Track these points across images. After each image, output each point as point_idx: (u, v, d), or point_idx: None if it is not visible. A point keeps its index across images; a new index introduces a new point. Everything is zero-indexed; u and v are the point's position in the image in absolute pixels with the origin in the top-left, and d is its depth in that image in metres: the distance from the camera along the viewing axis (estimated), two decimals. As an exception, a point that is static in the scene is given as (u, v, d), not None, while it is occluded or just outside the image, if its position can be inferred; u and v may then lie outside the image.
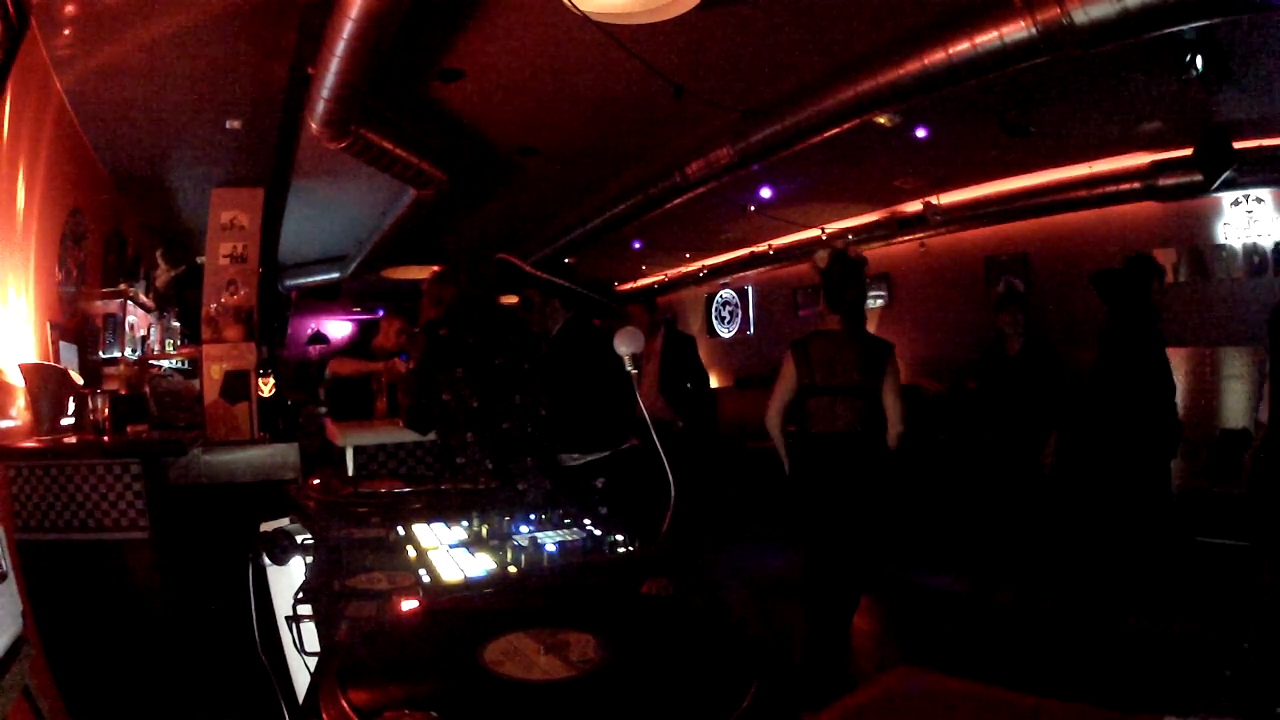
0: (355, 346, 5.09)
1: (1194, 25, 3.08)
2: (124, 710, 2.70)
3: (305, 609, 1.19)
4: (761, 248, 9.02)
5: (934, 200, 6.76)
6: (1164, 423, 3.91)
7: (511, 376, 2.92)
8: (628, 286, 11.65)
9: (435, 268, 3.15)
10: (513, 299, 3.85)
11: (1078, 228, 6.22)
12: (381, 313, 12.87)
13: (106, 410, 3.45)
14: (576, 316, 3.05)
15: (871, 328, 8.16)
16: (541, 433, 2.94)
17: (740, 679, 0.76)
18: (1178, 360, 5.33)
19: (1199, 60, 3.61)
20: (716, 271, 10.15)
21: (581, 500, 2.82)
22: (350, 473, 3.55)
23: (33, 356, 3.27)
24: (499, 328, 2.99)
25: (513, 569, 1.20)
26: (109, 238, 4.91)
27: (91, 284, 4.46)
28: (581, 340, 3.03)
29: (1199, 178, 5.05)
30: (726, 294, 10.72)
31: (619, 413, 2.94)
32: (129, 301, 4.84)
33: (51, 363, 3.44)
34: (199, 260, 6.01)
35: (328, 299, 11.36)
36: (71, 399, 3.40)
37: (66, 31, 3.30)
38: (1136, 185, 5.57)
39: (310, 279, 9.73)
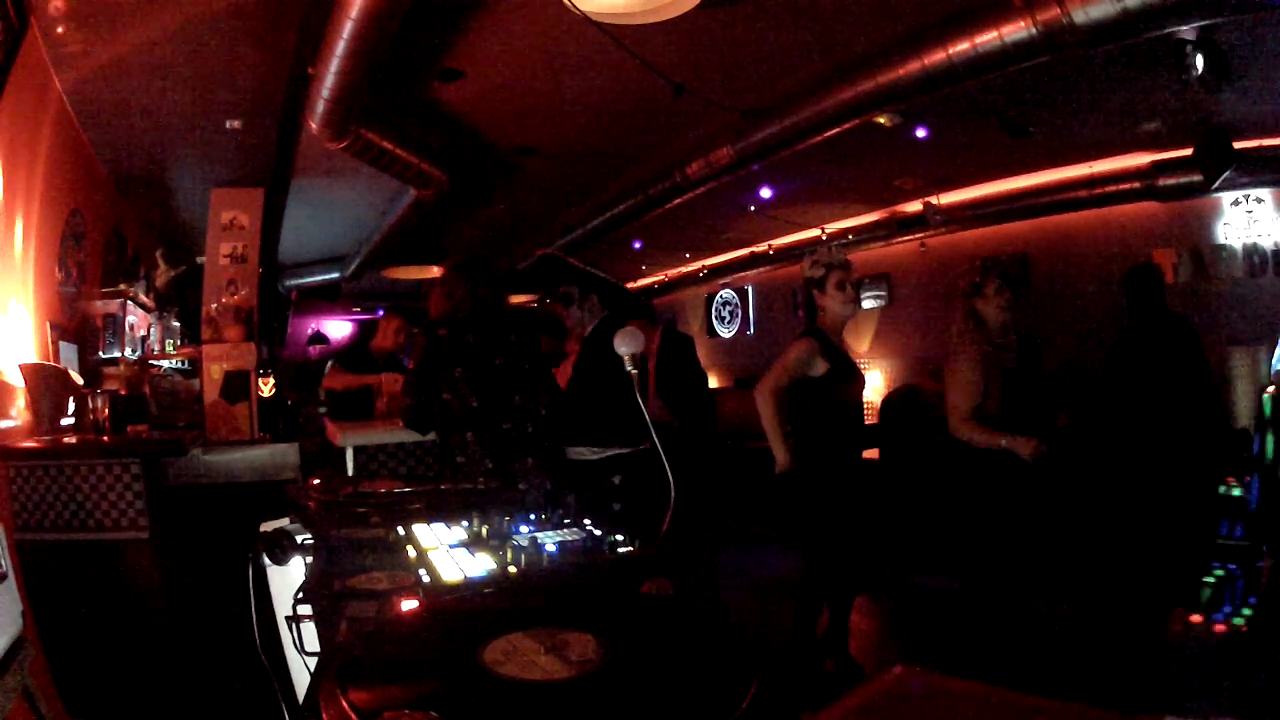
0: (354, 348, 5.02)
1: (1194, 25, 3.08)
2: (124, 710, 2.70)
3: (305, 609, 1.19)
4: (761, 248, 9.01)
5: (934, 200, 6.75)
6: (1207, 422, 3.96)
7: (512, 376, 2.91)
8: (628, 286, 11.64)
9: (446, 263, 3.14)
10: (521, 298, 3.84)
11: (1078, 228, 6.21)
12: (381, 312, 12.87)
13: (106, 410, 3.45)
14: (611, 315, 3.07)
15: (871, 328, 8.24)
16: (542, 433, 2.94)
17: (740, 679, 0.76)
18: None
19: (1199, 60, 3.61)
20: (716, 271, 10.15)
21: (595, 496, 2.83)
22: (350, 473, 3.55)
23: (33, 356, 3.27)
24: (500, 327, 2.98)
25: (513, 569, 1.20)
26: (109, 238, 4.91)
27: (91, 284, 4.46)
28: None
29: (1199, 178, 5.05)
30: (726, 294, 10.72)
31: (640, 413, 2.95)
32: (129, 301, 4.85)
33: (51, 363, 3.44)
34: (199, 260, 6.01)
35: (328, 299, 11.37)
36: (71, 399, 3.40)
37: (66, 31, 3.30)
38: (1136, 185, 5.57)
39: (310, 279, 9.73)
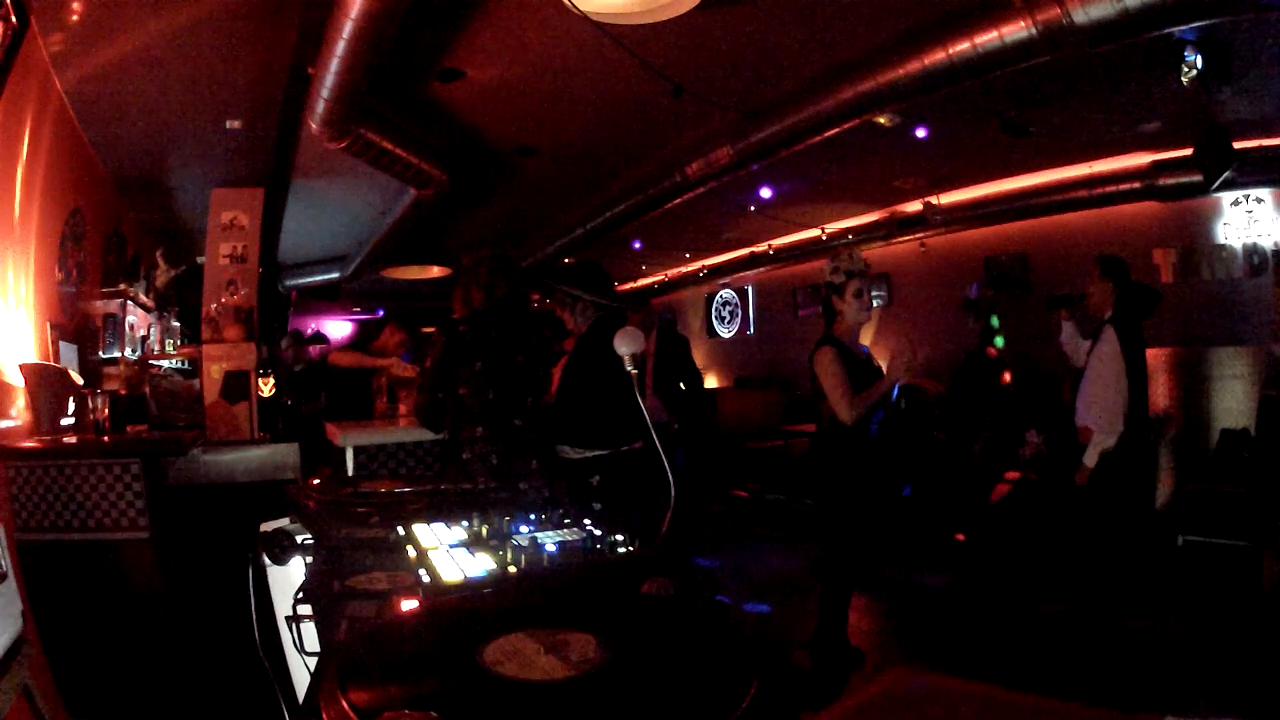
0: (355, 346, 4.98)
1: (1194, 25, 3.08)
2: (124, 710, 2.70)
3: (305, 609, 1.18)
4: (761, 248, 9.02)
5: (934, 200, 6.76)
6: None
7: (529, 376, 2.93)
8: (628, 286, 11.65)
9: (470, 255, 3.12)
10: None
11: (1078, 228, 6.22)
12: (382, 313, 12.85)
13: (106, 410, 3.45)
14: (605, 316, 3.07)
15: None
16: (546, 434, 2.95)
17: (740, 679, 0.76)
18: (1178, 359, 5.33)
19: (1199, 60, 3.61)
20: (716, 271, 10.15)
21: (576, 495, 2.83)
22: (350, 473, 3.55)
23: (33, 356, 3.27)
24: (525, 326, 2.99)
25: (513, 569, 1.20)
26: (109, 238, 4.91)
27: (91, 284, 4.46)
28: (606, 339, 3.05)
29: (1199, 178, 5.05)
30: (726, 294, 10.72)
31: (626, 414, 2.95)
32: (129, 301, 4.84)
33: (51, 363, 3.44)
34: (199, 260, 6.01)
35: (328, 299, 11.36)
36: (71, 399, 3.40)
37: (66, 31, 3.30)
38: (1136, 185, 5.58)
39: (310, 279, 9.73)
